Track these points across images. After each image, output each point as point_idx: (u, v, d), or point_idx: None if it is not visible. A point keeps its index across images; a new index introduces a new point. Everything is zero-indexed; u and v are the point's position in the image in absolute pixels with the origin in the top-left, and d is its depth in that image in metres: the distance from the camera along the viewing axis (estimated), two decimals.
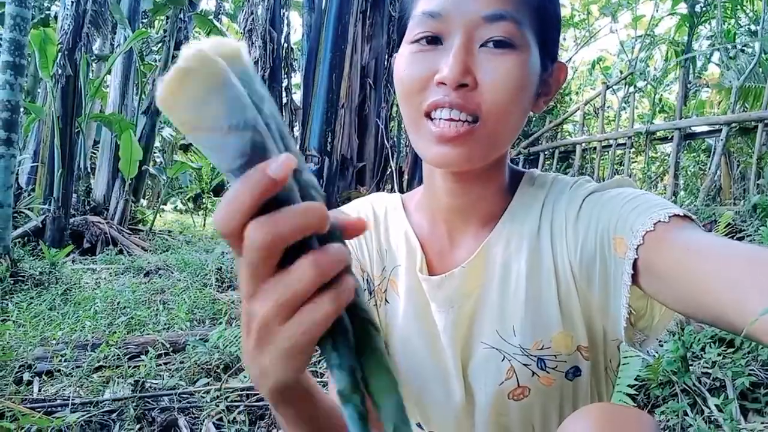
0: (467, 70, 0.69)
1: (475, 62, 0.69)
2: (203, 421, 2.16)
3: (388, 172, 6.98)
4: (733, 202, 6.78)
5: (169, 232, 9.37)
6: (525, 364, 0.77)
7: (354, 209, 0.92)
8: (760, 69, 7.27)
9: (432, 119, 0.71)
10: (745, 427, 1.98)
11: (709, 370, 2.35)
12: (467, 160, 0.72)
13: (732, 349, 2.46)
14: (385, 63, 7.01)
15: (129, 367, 2.62)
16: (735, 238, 4.26)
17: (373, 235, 0.89)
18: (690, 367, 2.34)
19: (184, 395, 2.35)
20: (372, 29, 6.86)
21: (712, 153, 8.86)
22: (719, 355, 2.40)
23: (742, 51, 8.53)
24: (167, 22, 9.38)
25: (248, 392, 2.36)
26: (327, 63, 6.57)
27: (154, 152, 11.70)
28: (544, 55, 0.75)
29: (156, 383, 2.47)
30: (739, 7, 7.73)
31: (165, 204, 12.53)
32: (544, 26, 0.74)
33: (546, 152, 9.75)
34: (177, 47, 9.00)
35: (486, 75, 0.69)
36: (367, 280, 0.89)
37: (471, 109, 0.69)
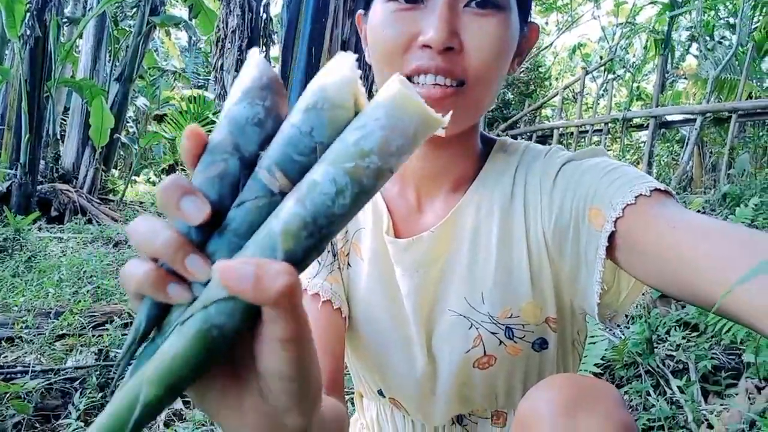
0: (453, 32, 0.66)
1: (460, 23, 0.66)
2: None
3: None
4: (703, 191, 6.91)
5: (141, 203, 9.18)
6: (493, 333, 0.76)
7: None
8: (736, 61, 7.38)
9: (415, 82, 0.67)
10: (705, 408, 2.02)
11: (673, 353, 2.39)
12: (454, 125, 0.69)
13: (696, 333, 2.51)
14: (356, 17, 6.88)
15: (93, 335, 2.56)
16: None
17: None
18: (655, 350, 2.38)
19: None
20: (354, 3, 6.72)
21: (685, 143, 9.02)
22: (683, 338, 2.45)
23: (720, 43, 8.64)
24: None
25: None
26: (306, 36, 6.41)
27: (127, 121, 11.43)
28: (521, 16, 0.72)
29: (120, 352, 2.42)
30: None
31: (137, 175, 12.27)
32: None
33: (524, 135, 9.77)
34: (152, 13, 8.73)
35: (472, 38, 0.66)
36: (331, 242, 0.86)
37: (457, 74, 0.66)
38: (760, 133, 7.04)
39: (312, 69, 6.59)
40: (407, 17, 0.67)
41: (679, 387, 2.14)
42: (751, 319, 0.48)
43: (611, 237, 0.62)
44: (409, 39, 0.67)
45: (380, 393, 0.88)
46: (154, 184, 13.73)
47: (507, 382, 0.79)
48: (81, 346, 2.43)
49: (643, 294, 0.89)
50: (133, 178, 10.75)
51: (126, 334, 2.65)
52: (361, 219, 0.84)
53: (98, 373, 2.15)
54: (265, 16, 6.72)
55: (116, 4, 8.74)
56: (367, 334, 0.83)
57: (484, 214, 0.77)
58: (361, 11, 0.79)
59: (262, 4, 6.66)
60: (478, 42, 0.66)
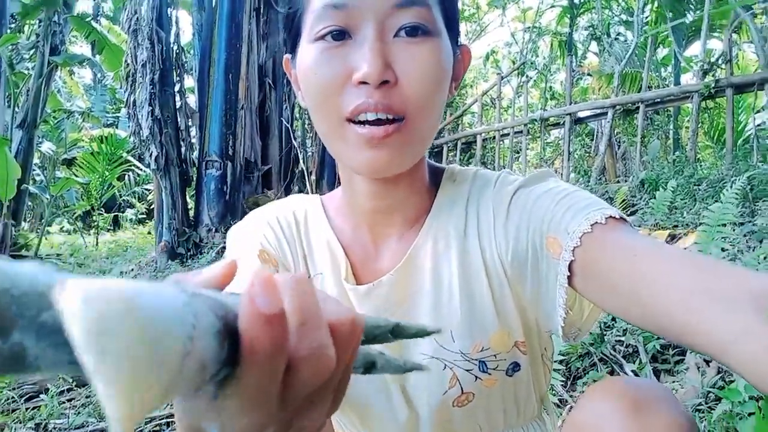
0: (387, 65, 0.63)
1: (391, 55, 0.64)
2: None
3: (296, 175, 6.83)
4: (617, 180, 7.32)
5: (58, 255, 8.61)
6: (467, 370, 0.75)
7: (273, 215, 0.83)
8: (635, 56, 7.92)
9: (357, 123, 0.64)
10: None
11: (622, 338, 2.47)
12: (399, 163, 0.67)
13: None
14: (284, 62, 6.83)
15: (27, 409, 2.33)
16: (629, 212, 4.57)
17: (296, 241, 0.81)
18: (604, 337, 2.46)
19: None
20: (267, 27, 6.67)
21: (595, 136, 9.54)
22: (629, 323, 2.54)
23: (616, 40, 9.25)
24: (39, 26, 8.60)
25: (169, 420, 2.18)
26: (222, 63, 6.30)
27: (33, 169, 10.74)
28: (451, 39, 0.71)
29: (61, 423, 2.21)
30: None
31: (50, 225, 11.52)
32: (448, 8, 0.70)
33: (449, 144, 10.05)
34: (53, 53, 8.29)
35: (405, 67, 0.64)
36: None
37: (396, 108, 0.64)
38: (668, 120, 7.59)
39: (231, 96, 6.47)
40: (338, 55, 0.65)
41: (633, 371, 2.22)
42: (715, 349, 0.48)
43: (570, 265, 0.62)
44: (344, 77, 0.64)
45: None
46: (69, 233, 12.95)
47: (487, 411, 0.79)
48: (14, 422, 2.20)
49: None
50: (47, 229, 10.07)
51: (64, 402, 2.44)
52: (319, 264, 0.80)
53: None
54: (176, 46, 6.51)
55: (11, 47, 8.22)
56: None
57: (442, 251, 0.76)
58: (287, 55, 0.76)
59: (172, 34, 6.45)
60: (412, 71, 0.64)
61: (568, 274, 0.62)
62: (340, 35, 0.64)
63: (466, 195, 0.77)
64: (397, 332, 0.41)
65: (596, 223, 0.61)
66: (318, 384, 0.31)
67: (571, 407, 2.02)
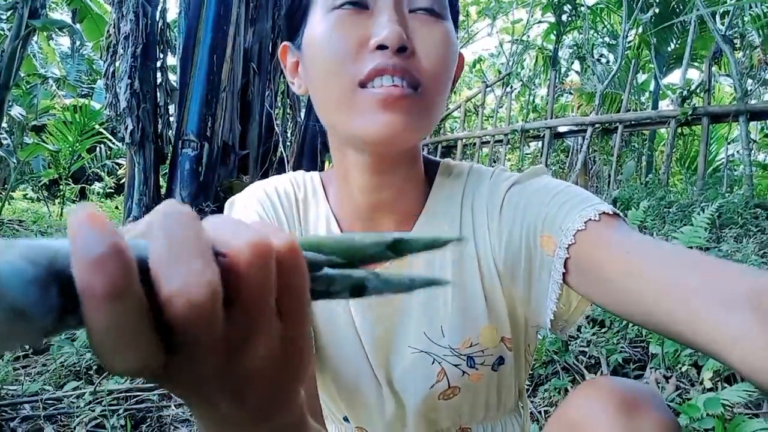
0: (405, 34, 0.64)
1: (408, 27, 0.65)
2: (75, 428, 1.92)
3: (274, 162, 6.75)
4: None
5: (20, 221, 8.35)
6: (455, 365, 0.75)
7: (272, 187, 0.82)
8: (616, 79, 8.10)
9: (371, 87, 0.64)
10: None
11: (586, 349, 2.51)
12: (412, 130, 0.65)
13: (604, 329, 2.67)
14: (270, 48, 6.76)
15: None
16: None
17: (295, 218, 0.81)
18: (569, 347, 2.50)
19: (50, 401, 2.07)
20: (256, 12, 6.58)
21: (571, 153, 9.72)
22: (593, 334, 2.59)
23: (599, 61, 9.43)
24: None
25: (126, 395, 2.13)
26: (208, 43, 6.18)
27: (1, 133, 10.40)
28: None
29: (14, 390, 2.14)
30: (599, 19, 8.54)
31: (14, 191, 11.15)
32: (453, 9, 0.72)
33: (430, 146, 10.11)
34: (32, 15, 8.03)
35: (422, 42, 0.65)
36: None
37: (413, 75, 0.64)
38: (643, 143, 7.77)
39: (213, 77, 6.37)
40: (355, 22, 0.65)
41: None
42: (716, 348, 0.47)
43: (564, 262, 0.63)
44: (360, 43, 0.64)
45: (345, 419, 0.86)
46: (32, 200, 12.57)
47: (471, 404, 0.80)
48: None
49: None
50: (10, 194, 9.75)
51: (18, 369, 2.37)
52: None
53: None
54: (161, 22, 6.37)
55: None
56: (334, 366, 0.80)
57: None
58: (286, 43, 0.76)
59: (159, 9, 6.32)
60: (429, 47, 0.65)
61: (563, 271, 0.63)
62: (358, 5, 0.65)
63: (461, 191, 0.78)
64: (399, 247, 0.34)
65: (590, 220, 0.61)
66: (203, 324, 0.26)
67: (531, 412, 2.05)
